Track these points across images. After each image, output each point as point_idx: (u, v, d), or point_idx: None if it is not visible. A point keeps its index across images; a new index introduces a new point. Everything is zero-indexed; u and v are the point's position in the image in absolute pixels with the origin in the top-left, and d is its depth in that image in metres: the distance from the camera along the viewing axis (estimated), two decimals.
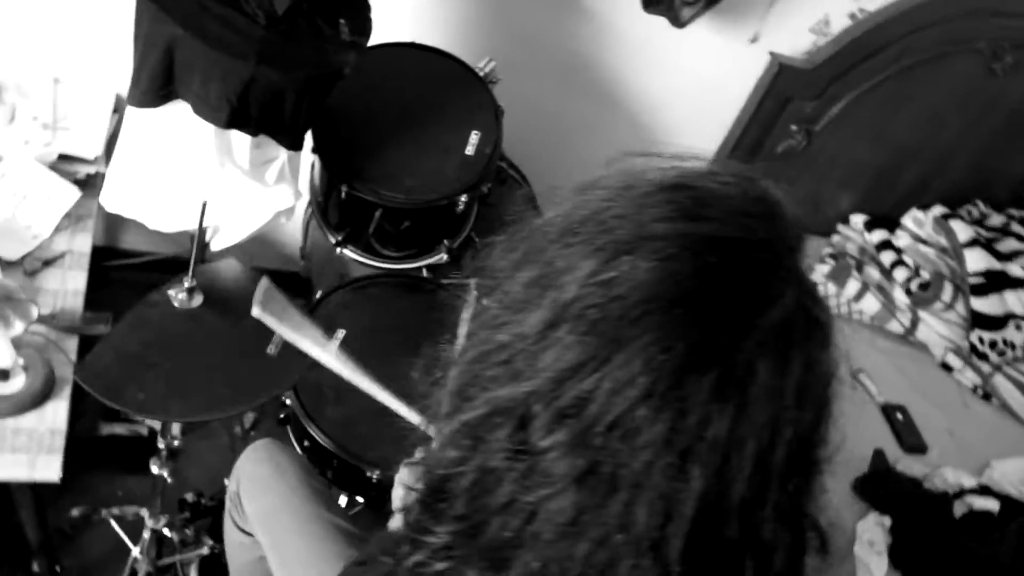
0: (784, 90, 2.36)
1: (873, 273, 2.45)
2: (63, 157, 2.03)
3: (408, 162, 1.77)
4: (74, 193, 1.94)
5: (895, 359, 2.36)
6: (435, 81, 1.88)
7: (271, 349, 1.38)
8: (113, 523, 1.88)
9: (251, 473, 1.47)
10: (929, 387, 2.33)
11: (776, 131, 2.45)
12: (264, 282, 1.33)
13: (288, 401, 1.64)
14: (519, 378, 0.67)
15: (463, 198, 1.78)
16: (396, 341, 1.62)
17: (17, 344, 1.70)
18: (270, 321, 1.31)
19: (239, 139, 1.49)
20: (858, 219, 2.67)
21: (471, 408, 0.70)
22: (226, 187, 1.54)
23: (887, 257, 2.50)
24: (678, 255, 0.66)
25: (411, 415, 1.17)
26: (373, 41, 1.89)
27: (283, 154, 1.58)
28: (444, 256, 1.95)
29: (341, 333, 1.71)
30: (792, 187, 2.16)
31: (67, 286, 1.87)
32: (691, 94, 2.46)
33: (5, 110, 2.05)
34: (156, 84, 1.42)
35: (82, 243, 1.95)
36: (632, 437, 0.63)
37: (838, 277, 2.35)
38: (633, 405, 0.63)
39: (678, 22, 2.08)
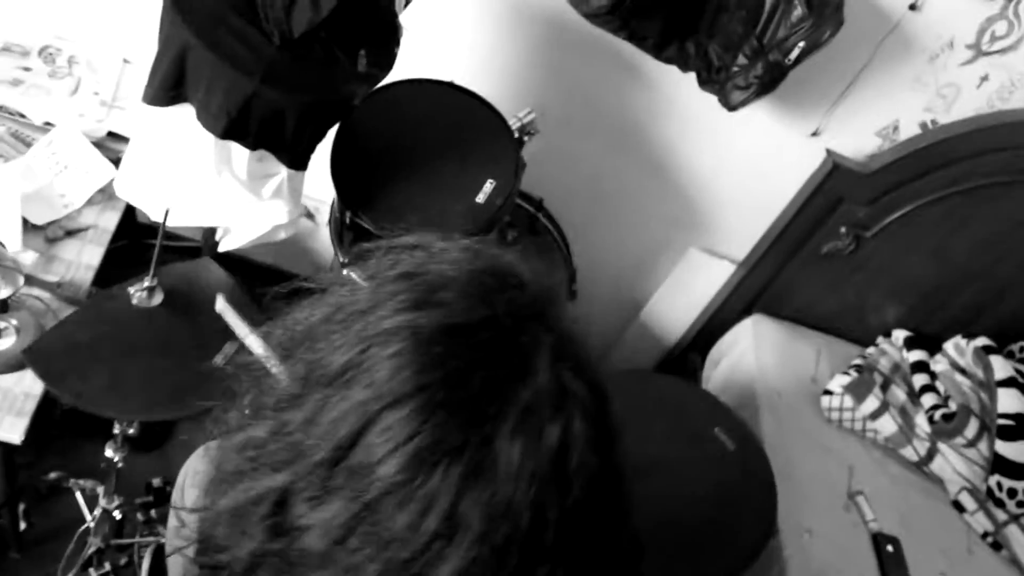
0: (836, 190, 2.29)
1: (899, 394, 2.34)
2: (111, 135, 2.12)
3: (416, 199, 1.78)
4: (110, 171, 2.01)
5: (903, 487, 2.24)
6: (465, 124, 1.89)
7: (218, 360, 1.40)
8: (77, 494, 1.94)
9: (196, 467, 1.49)
10: (934, 524, 2.21)
11: (824, 231, 2.38)
12: (231, 283, 1.35)
13: None
14: (281, 467, 0.67)
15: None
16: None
17: (16, 306, 1.77)
18: (230, 318, 1.33)
19: (239, 150, 1.53)
20: (900, 334, 2.55)
21: (235, 492, 0.70)
22: (221, 194, 1.58)
23: (919, 379, 2.39)
24: (405, 349, 0.65)
25: None
26: (418, 74, 1.93)
27: (283, 171, 1.61)
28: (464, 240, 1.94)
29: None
30: (833, 290, 2.10)
31: (82, 259, 1.94)
32: (742, 176, 2.42)
33: (72, 81, 2.15)
34: (167, 84, 1.47)
35: (108, 220, 2.02)
36: (383, 523, 0.63)
37: (857, 391, 2.26)
38: (382, 495, 0.63)
39: (728, 105, 2.05)
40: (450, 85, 1.92)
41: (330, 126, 1.59)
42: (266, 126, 1.49)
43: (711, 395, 2.01)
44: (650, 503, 1.79)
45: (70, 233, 1.96)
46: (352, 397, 0.66)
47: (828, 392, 2.32)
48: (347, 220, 1.81)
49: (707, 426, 1.93)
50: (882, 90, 2.20)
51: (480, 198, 1.80)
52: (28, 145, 2.02)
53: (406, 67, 1.91)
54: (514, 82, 2.28)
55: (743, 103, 2.02)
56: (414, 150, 1.83)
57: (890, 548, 2.08)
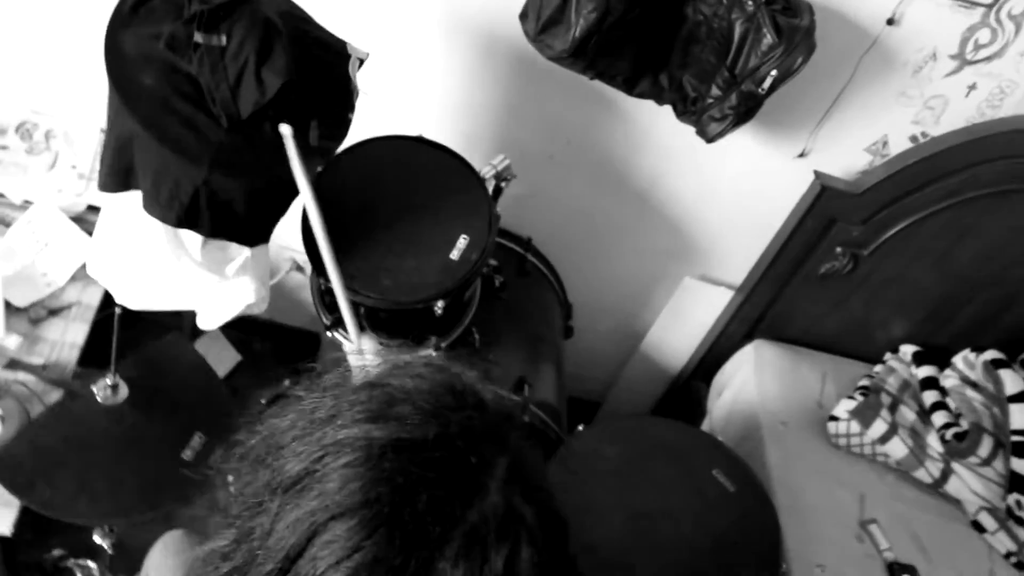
0: (828, 212, 2.24)
1: (908, 414, 2.28)
2: (91, 208, 2.12)
3: (389, 260, 1.75)
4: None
5: (918, 511, 2.18)
6: (435, 179, 1.86)
7: (187, 454, 1.39)
8: (78, 573, 1.93)
9: (158, 564, 1.47)
10: (953, 548, 2.15)
11: (819, 252, 2.33)
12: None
13: None
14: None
15: (438, 304, 1.75)
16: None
17: (0, 393, 1.78)
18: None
19: (195, 235, 1.51)
20: (908, 349, 2.50)
21: None
22: (183, 279, 1.57)
23: (929, 396, 2.33)
24: (356, 461, 0.65)
25: None
26: (387, 129, 1.92)
27: (245, 250, 1.59)
28: (432, 352, 1.92)
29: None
30: (836, 310, 2.05)
31: (66, 338, 1.94)
32: (731, 203, 2.37)
33: (49, 156, 2.16)
34: (115, 170, 1.46)
35: (91, 296, 2.02)
36: None
37: (863, 416, 2.20)
38: None
39: (706, 137, 2.01)
40: (418, 140, 1.90)
41: (288, 204, 1.57)
42: (220, 212, 1.47)
43: (709, 436, 1.97)
44: (653, 553, 1.76)
45: (53, 312, 1.96)
46: (304, 506, 0.65)
47: (834, 418, 2.27)
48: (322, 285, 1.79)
49: (706, 468, 1.88)
50: (867, 106, 2.15)
51: (454, 254, 1.78)
52: (8, 225, 2.03)
53: (373, 124, 1.90)
54: (489, 126, 2.26)
55: (720, 134, 1.98)
56: (385, 210, 1.81)
57: None
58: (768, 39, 1.84)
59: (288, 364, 2.28)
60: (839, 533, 2.08)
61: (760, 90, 1.89)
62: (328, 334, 1.95)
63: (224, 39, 1.41)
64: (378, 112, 2.08)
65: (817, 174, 2.22)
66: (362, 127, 1.85)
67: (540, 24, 1.85)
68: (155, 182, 1.44)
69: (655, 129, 2.22)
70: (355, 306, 1.73)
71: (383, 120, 1.99)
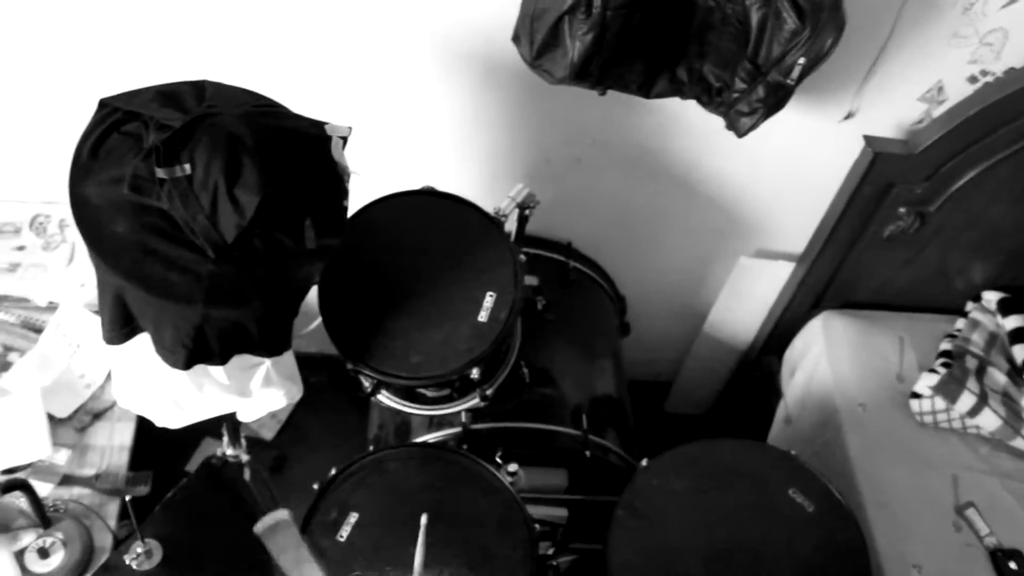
0: (884, 177, 2.06)
1: (998, 376, 2.12)
2: None
3: (415, 335, 1.66)
4: None
5: (1019, 484, 2.04)
6: (451, 235, 1.75)
7: None
8: None
9: None
10: None
11: (881, 215, 2.15)
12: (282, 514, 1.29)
13: None
14: None
15: (475, 371, 1.67)
16: (413, 524, 1.57)
17: (57, 517, 1.77)
18: (271, 546, 1.28)
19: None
20: (992, 297, 2.31)
21: None
22: (210, 406, 1.51)
23: (1020, 352, 2.16)
24: None
25: None
26: (399, 186, 1.80)
27: (266, 360, 1.52)
28: (479, 401, 1.85)
29: (354, 517, 1.67)
30: (907, 267, 1.89)
31: (114, 441, 1.92)
32: (779, 175, 2.20)
33: (66, 249, 2.12)
34: (117, 325, 1.40)
35: None
36: None
37: (948, 390, 2.05)
38: None
39: (737, 132, 1.84)
40: (427, 192, 1.78)
41: (297, 309, 1.49)
42: (229, 340, 1.40)
43: (781, 452, 1.85)
44: None
45: (97, 416, 1.94)
46: None
47: (916, 395, 2.12)
48: None
49: (782, 489, 1.78)
50: (916, 55, 1.94)
51: (483, 316, 1.68)
52: (38, 331, 2.01)
53: (385, 182, 1.80)
54: (506, 148, 2.13)
55: (751, 128, 1.81)
56: (402, 279, 1.71)
57: (1013, 565, 1.90)
58: (790, 24, 1.65)
59: (346, 392, 2.24)
60: (934, 524, 1.96)
61: (789, 80, 1.71)
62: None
63: (188, 168, 1.31)
64: (387, 168, 1.98)
65: (868, 140, 2.03)
66: (375, 187, 1.76)
67: (535, 49, 1.70)
68: (156, 328, 1.37)
69: (686, 114, 2.05)
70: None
71: (394, 176, 1.89)
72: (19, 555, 1.48)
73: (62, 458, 1.86)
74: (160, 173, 1.30)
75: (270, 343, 1.46)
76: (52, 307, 2.04)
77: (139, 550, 1.30)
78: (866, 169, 2.02)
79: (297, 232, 1.40)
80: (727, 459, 1.83)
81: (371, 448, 2.14)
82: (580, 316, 2.27)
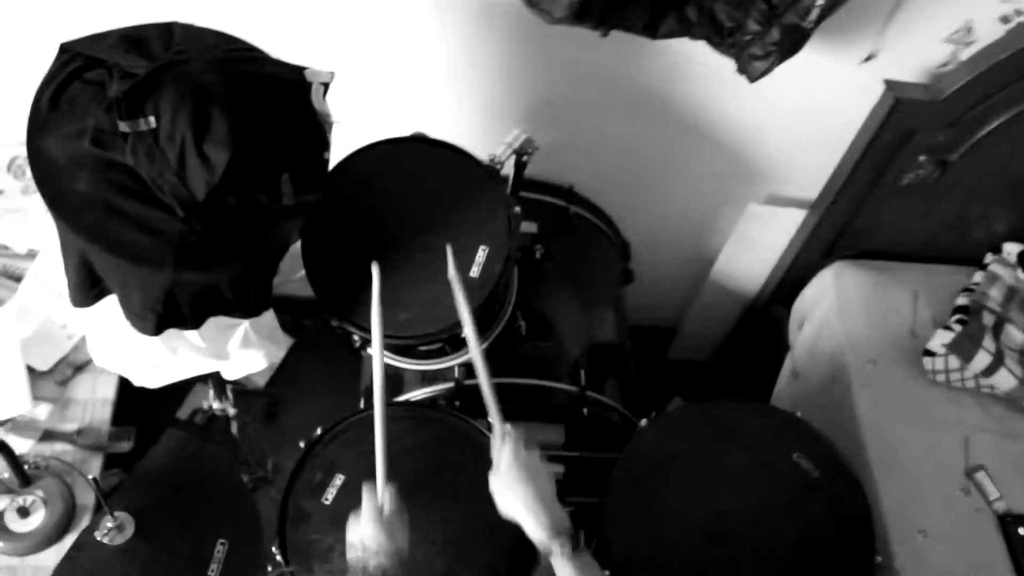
0: (905, 123, 1.94)
1: (1016, 334, 2.04)
2: None
3: (403, 291, 1.58)
4: None
5: None
6: (442, 185, 1.65)
7: (212, 569, 1.30)
8: None
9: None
10: None
11: (899, 163, 2.04)
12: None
13: None
14: None
15: (466, 329, 1.59)
16: (401, 486, 1.51)
17: (38, 474, 1.73)
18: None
19: None
20: (1013, 249, 2.22)
21: None
22: (187, 368, 1.44)
23: None
24: None
25: None
26: (389, 131, 1.70)
27: (244, 323, 1.45)
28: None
29: (340, 479, 1.61)
30: (924, 216, 1.80)
31: (96, 394, 1.87)
32: (793, 119, 2.09)
33: None
34: (84, 286, 1.32)
35: None
36: None
37: (962, 349, 1.97)
38: None
39: (749, 76, 1.73)
40: (417, 139, 1.68)
41: (275, 268, 1.41)
42: (201, 303, 1.32)
43: (786, 414, 1.77)
44: (734, 556, 1.63)
45: (79, 368, 1.88)
46: None
47: (929, 353, 2.04)
48: None
49: (786, 453, 1.71)
50: None
51: (474, 271, 1.59)
52: (18, 280, 1.93)
53: (376, 127, 1.69)
54: (505, 90, 2.01)
55: (765, 72, 1.71)
56: (390, 230, 1.62)
57: (1022, 531, 1.84)
58: None
59: (342, 337, 2.17)
60: (942, 488, 1.90)
61: (806, 23, 1.59)
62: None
63: (153, 121, 1.21)
64: (374, 114, 1.88)
65: (889, 84, 1.91)
66: (363, 134, 1.66)
67: None
68: (123, 292, 1.30)
69: (695, 55, 1.92)
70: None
71: (382, 122, 1.78)
72: None
73: (43, 413, 1.81)
74: (123, 127, 1.21)
75: (247, 305, 1.38)
76: (32, 254, 1.96)
77: (109, 524, 1.24)
78: (886, 115, 1.90)
79: (274, 188, 1.31)
80: (730, 420, 1.76)
81: (362, 401, 2.09)
82: (581, 264, 2.18)
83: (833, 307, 2.17)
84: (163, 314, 1.29)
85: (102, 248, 1.23)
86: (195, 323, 1.35)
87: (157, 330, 1.30)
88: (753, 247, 2.36)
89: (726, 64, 1.88)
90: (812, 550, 1.63)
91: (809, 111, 2.05)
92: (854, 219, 2.18)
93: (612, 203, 2.30)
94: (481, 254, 1.60)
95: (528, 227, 2.10)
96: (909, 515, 1.84)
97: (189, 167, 1.22)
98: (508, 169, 1.80)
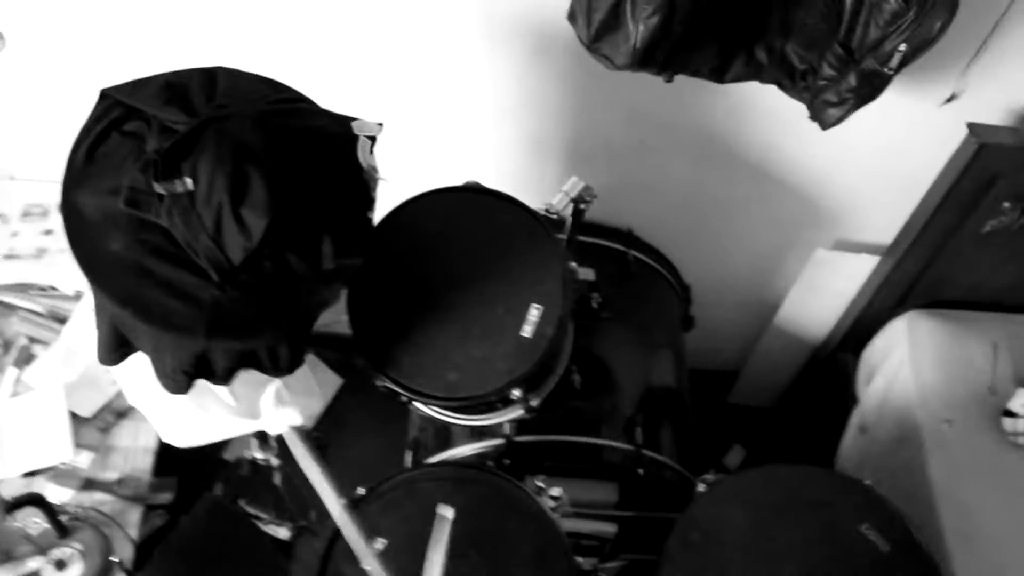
0: (989, 169, 1.82)
1: None
2: None
3: (453, 350, 1.51)
4: None
5: None
6: (495, 237, 1.58)
7: None
8: None
9: None
10: None
11: (982, 210, 1.91)
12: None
13: None
14: None
15: (515, 392, 1.51)
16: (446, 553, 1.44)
17: (76, 526, 1.69)
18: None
19: None
20: None
21: None
22: (218, 429, 1.39)
23: None
24: None
25: None
26: (434, 183, 1.64)
27: (276, 381, 1.39)
28: (524, 412, 1.70)
29: (381, 543, 1.54)
30: (1007, 263, 1.67)
31: (139, 442, 1.83)
32: (866, 163, 1.98)
33: None
34: (112, 347, 1.27)
35: None
36: None
37: None
38: None
39: (822, 124, 1.63)
40: (472, 189, 1.61)
41: (309, 333, 1.34)
42: (235, 366, 1.27)
43: (854, 481, 1.66)
44: None
45: (121, 415, 1.85)
46: None
47: (1010, 414, 1.91)
48: None
49: (853, 524, 1.60)
50: None
51: (526, 331, 1.51)
52: (64, 322, 1.91)
53: (426, 177, 1.63)
54: (562, 133, 1.94)
55: (839, 120, 1.60)
56: (440, 287, 1.56)
57: None
58: (891, 4, 1.42)
59: None
60: (1022, 561, 1.76)
61: (886, 69, 1.48)
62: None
63: (190, 182, 1.16)
64: (425, 161, 1.82)
65: (972, 127, 1.79)
66: (413, 183, 1.60)
67: (592, 32, 1.51)
68: (155, 355, 1.24)
69: (763, 97, 1.83)
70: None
71: (433, 170, 1.72)
72: None
73: (84, 461, 1.78)
74: (159, 188, 1.16)
75: (278, 367, 1.32)
76: (79, 296, 1.94)
77: None
78: (969, 160, 1.78)
79: (313, 252, 1.25)
80: (793, 486, 1.65)
81: (408, 455, 2.03)
82: (640, 312, 2.09)
83: (905, 359, 2.04)
84: (195, 375, 1.23)
85: (134, 314, 1.17)
86: (225, 380, 1.29)
87: (188, 389, 1.25)
88: (820, 293, 2.24)
89: (795, 105, 1.78)
90: None
91: (884, 154, 1.93)
92: (930, 267, 2.06)
93: (673, 247, 2.21)
94: (535, 313, 1.52)
95: (586, 274, 2.02)
96: None
97: (225, 231, 1.17)
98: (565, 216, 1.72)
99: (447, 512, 1.32)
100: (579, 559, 1.87)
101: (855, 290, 2.22)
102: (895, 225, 2.07)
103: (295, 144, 1.24)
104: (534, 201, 1.61)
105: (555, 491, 1.66)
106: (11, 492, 1.64)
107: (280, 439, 1.87)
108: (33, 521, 1.60)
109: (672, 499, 1.87)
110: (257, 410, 1.41)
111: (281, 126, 1.25)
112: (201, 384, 1.31)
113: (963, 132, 1.84)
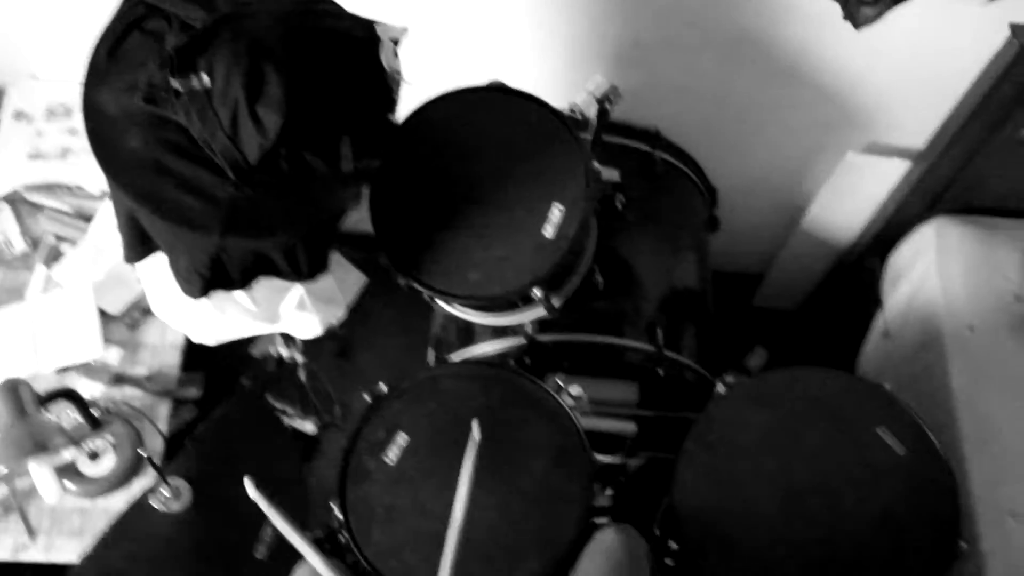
0: None
1: None
2: None
3: (474, 250, 1.51)
4: None
5: None
6: (516, 138, 1.56)
7: (259, 551, 1.28)
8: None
9: None
10: None
11: (1018, 115, 1.85)
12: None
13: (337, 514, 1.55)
14: None
15: (536, 292, 1.52)
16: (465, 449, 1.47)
17: (108, 419, 1.74)
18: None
19: None
20: None
21: None
22: (238, 329, 1.41)
23: None
24: None
25: None
26: (458, 83, 1.61)
27: (298, 287, 1.40)
28: (545, 312, 1.70)
29: (403, 438, 1.57)
30: None
31: (166, 339, 1.87)
32: (902, 66, 1.92)
33: None
34: (133, 243, 1.29)
35: None
36: None
37: None
38: None
39: (855, 22, 1.58)
40: (496, 89, 1.58)
41: (331, 236, 1.35)
42: (251, 270, 1.28)
43: (874, 385, 1.66)
44: (807, 538, 1.56)
45: (148, 312, 1.88)
46: None
47: None
48: None
49: (870, 427, 1.61)
50: None
51: (547, 231, 1.51)
52: (91, 220, 1.93)
53: (441, 79, 1.61)
54: (588, 30, 1.89)
55: (874, 19, 1.56)
56: (462, 185, 1.55)
57: None
58: None
59: None
60: None
61: None
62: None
63: (207, 79, 1.15)
64: (453, 61, 1.78)
65: (1014, 29, 1.72)
66: (437, 83, 1.57)
67: None
68: (170, 254, 1.26)
69: None
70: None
71: (460, 69, 1.69)
72: (60, 472, 1.44)
73: (113, 357, 1.82)
74: (175, 84, 1.15)
75: (299, 273, 1.33)
76: (106, 195, 1.95)
77: (166, 493, 1.23)
78: (1009, 63, 1.72)
79: (332, 152, 1.24)
80: (813, 390, 1.65)
81: (431, 352, 2.05)
82: (664, 213, 2.07)
83: (932, 265, 2.02)
84: (210, 278, 1.25)
85: (150, 210, 1.18)
86: (243, 284, 1.30)
87: (203, 293, 1.27)
88: (849, 197, 2.21)
89: (829, 4, 1.72)
90: (891, 533, 1.54)
91: (921, 56, 1.87)
92: (963, 172, 2.01)
93: (700, 148, 2.17)
94: (556, 212, 1.52)
95: (609, 174, 1.99)
96: (1000, 496, 1.73)
97: (241, 129, 1.16)
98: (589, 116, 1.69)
99: (476, 432, 1.33)
100: (599, 457, 1.91)
101: (885, 194, 2.18)
102: (929, 129, 2.02)
103: (316, 44, 1.22)
104: (558, 101, 1.58)
105: (575, 390, 1.68)
106: (44, 387, 1.69)
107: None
108: (67, 414, 1.65)
109: (692, 399, 1.88)
110: (277, 316, 1.43)
111: (302, 26, 1.23)
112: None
113: (1005, 33, 1.77)
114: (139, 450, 1.35)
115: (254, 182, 1.20)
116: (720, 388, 1.68)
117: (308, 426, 2.28)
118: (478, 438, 1.34)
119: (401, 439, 1.58)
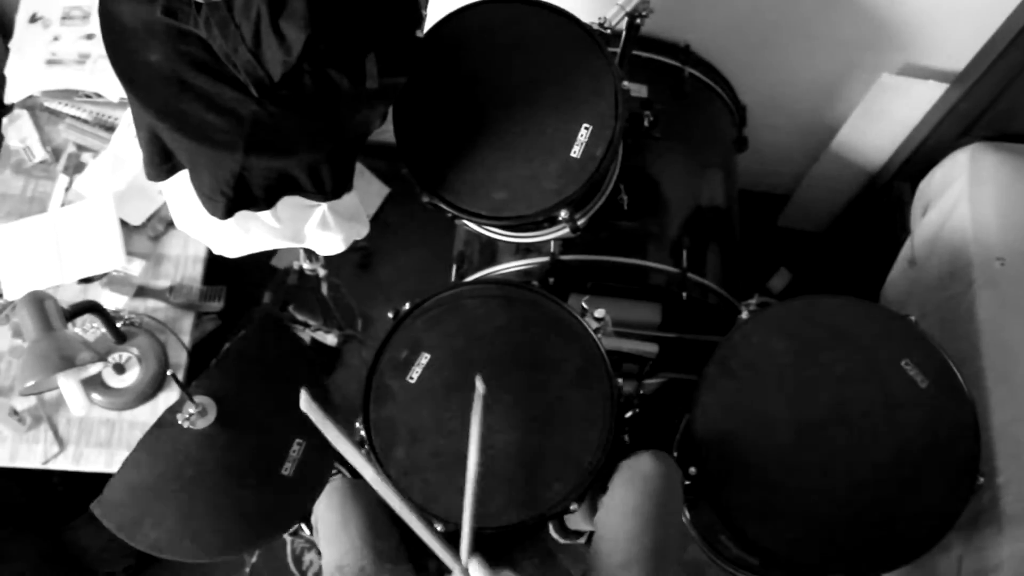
0: None
1: None
2: None
3: (500, 169, 1.49)
4: None
5: None
6: (544, 54, 1.51)
7: (287, 468, 1.30)
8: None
9: (323, 517, 1.45)
10: None
11: None
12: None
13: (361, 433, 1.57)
14: None
15: (563, 212, 1.50)
16: (487, 369, 1.47)
17: (132, 332, 1.75)
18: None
19: None
20: None
21: None
22: (262, 244, 1.40)
23: None
24: None
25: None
26: None
27: (322, 204, 1.38)
28: (569, 231, 1.68)
29: (425, 358, 1.57)
30: None
31: (188, 252, 1.86)
32: None
33: None
34: (156, 161, 1.26)
35: None
36: None
37: None
38: None
39: None
40: (524, 1, 1.53)
41: (355, 154, 1.32)
42: (275, 188, 1.26)
43: (900, 316, 1.64)
44: (826, 468, 1.56)
45: (171, 224, 1.87)
46: None
47: None
48: None
49: (895, 359, 1.60)
50: None
51: (575, 151, 1.48)
52: (112, 129, 1.90)
53: None
54: None
55: None
56: (488, 103, 1.51)
57: None
58: None
59: None
60: None
61: None
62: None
63: None
64: None
65: None
66: None
67: None
68: (193, 172, 1.24)
69: None
70: None
71: None
72: (87, 384, 1.45)
73: (136, 269, 1.82)
74: None
75: (323, 191, 1.31)
76: (125, 103, 1.92)
77: (192, 410, 1.24)
78: None
79: (357, 69, 1.21)
80: (836, 318, 1.64)
81: (454, 268, 2.04)
82: (692, 131, 2.03)
83: (964, 193, 1.97)
84: (233, 197, 1.23)
85: (172, 127, 1.16)
86: (267, 204, 1.29)
87: (227, 213, 1.25)
88: (882, 120, 2.15)
89: None
90: (910, 465, 1.54)
91: None
92: (1001, 97, 1.95)
93: (730, 64, 2.11)
94: (584, 133, 1.48)
95: (638, 90, 1.95)
96: (1020, 430, 1.72)
97: (264, 44, 1.13)
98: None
99: (481, 386, 1.32)
100: (620, 379, 1.91)
101: (919, 118, 2.12)
102: (968, 52, 1.95)
103: None
104: (588, 16, 1.53)
105: (599, 312, 1.66)
106: (68, 300, 1.69)
107: None
108: (92, 327, 1.66)
109: (715, 322, 1.88)
110: (301, 235, 1.41)
111: None
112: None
113: None
114: (167, 371, 1.35)
115: (277, 99, 1.17)
116: (743, 313, 1.67)
117: (330, 338, 2.29)
118: (482, 391, 1.33)
119: (424, 359, 1.57)
